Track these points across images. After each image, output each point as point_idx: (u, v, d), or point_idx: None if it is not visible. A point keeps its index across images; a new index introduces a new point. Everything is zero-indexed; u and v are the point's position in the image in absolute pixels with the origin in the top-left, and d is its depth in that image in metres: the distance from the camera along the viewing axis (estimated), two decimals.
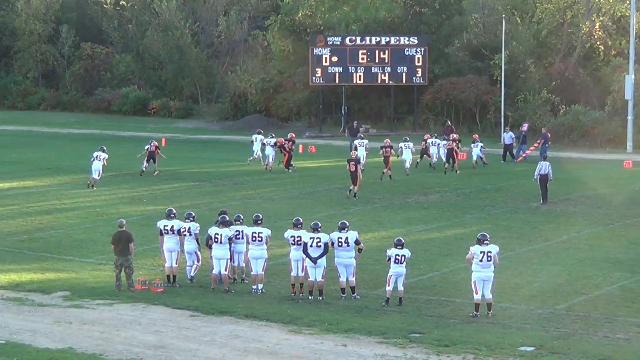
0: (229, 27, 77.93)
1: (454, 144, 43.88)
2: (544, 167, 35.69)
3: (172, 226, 23.07)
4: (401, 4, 68.10)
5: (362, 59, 63.02)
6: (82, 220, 31.89)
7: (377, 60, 62.96)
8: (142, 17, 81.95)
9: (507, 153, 49.16)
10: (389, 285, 21.26)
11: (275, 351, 17.75)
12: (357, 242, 21.80)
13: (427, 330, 19.17)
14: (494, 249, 20.64)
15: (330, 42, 63.56)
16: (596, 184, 40.40)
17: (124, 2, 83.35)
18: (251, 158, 46.52)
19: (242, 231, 22.64)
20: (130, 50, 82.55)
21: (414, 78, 63.02)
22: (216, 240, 22.29)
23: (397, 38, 63.38)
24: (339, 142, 57.30)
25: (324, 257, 21.61)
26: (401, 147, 43.74)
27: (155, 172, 42.36)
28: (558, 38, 62.68)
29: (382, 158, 41.36)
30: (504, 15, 59.72)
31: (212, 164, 47.71)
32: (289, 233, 22.12)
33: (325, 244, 21.59)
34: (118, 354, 17.49)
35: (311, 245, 21.54)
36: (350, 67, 63.19)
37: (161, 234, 23.21)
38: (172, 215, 23.35)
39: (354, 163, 36.46)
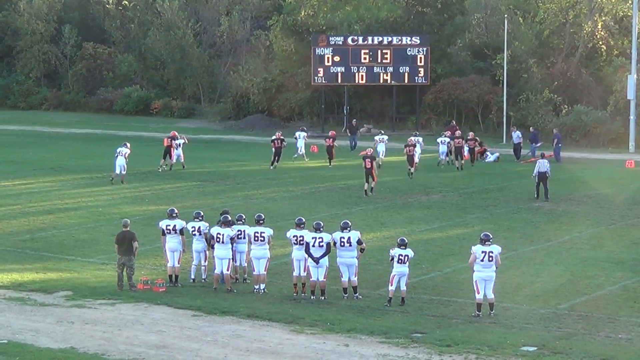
0: (231, 27, 77.84)
1: (474, 142, 46.93)
2: (542, 165, 35.73)
3: (175, 226, 23.06)
4: (403, 3, 68.07)
5: (364, 58, 62.98)
6: (84, 220, 31.90)
7: (379, 60, 62.91)
8: (144, 16, 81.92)
9: (520, 151, 49.59)
10: (391, 285, 21.26)
11: (277, 351, 17.75)
12: (359, 242, 21.81)
13: (429, 330, 19.17)
14: (496, 249, 20.61)
15: (333, 42, 63.55)
16: (598, 184, 40.40)
17: (126, 2, 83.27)
18: (296, 155, 48.54)
19: (244, 231, 22.64)
20: (133, 50, 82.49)
21: (416, 78, 62.97)
22: (218, 240, 22.30)
23: (400, 38, 63.32)
24: (342, 142, 57.24)
25: (327, 257, 21.63)
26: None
27: (168, 167, 44.18)
28: (560, 38, 62.59)
29: (406, 157, 42.07)
30: (506, 15, 59.74)
31: (214, 164, 47.71)
32: (291, 233, 22.13)
33: (328, 244, 21.60)
34: (120, 354, 17.49)
35: (313, 245, 21.54)
36: (352, 67, 63.15)
37: (163, 233, 23.20)
38: (174, 215, 23.34)
39: (369, 160, 36.52)
